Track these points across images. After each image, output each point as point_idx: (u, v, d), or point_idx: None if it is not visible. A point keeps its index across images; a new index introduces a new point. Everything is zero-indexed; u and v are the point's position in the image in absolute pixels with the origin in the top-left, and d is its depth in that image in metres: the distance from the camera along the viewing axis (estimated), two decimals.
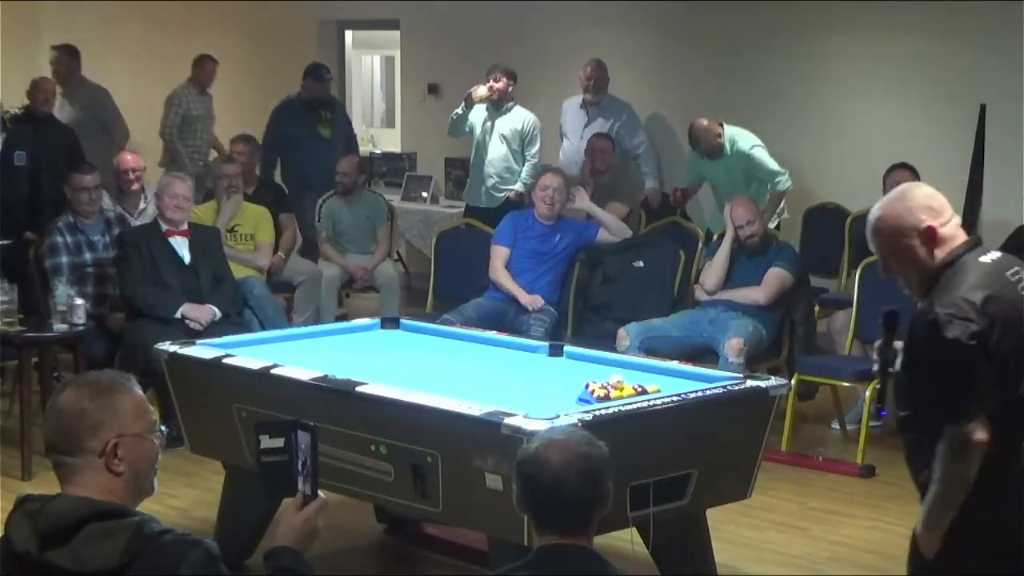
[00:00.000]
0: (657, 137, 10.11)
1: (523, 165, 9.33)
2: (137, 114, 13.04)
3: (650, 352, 6.89)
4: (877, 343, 3.68)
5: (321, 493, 2.85)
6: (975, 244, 3.51)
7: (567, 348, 5.83)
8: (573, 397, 4.86)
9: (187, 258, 7.46)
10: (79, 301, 7.01)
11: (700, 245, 8.36)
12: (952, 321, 3.31)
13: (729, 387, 5.02)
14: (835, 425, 7.66)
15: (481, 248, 8.14)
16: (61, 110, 10.06)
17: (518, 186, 9.25)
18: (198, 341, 5.88)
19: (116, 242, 7.56)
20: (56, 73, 10.25)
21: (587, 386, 4.86)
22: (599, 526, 3.03)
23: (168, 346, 5.64)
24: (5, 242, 8.25)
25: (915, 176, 7.35)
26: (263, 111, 11.01)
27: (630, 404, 4.69)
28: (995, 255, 3.51)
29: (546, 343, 5.98)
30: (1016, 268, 3.48)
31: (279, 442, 2.81)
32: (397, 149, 12.35)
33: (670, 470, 4.72)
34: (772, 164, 8.64)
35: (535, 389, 5.20)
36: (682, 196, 9.15)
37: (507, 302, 7.85)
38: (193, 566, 2.61)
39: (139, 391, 2.82)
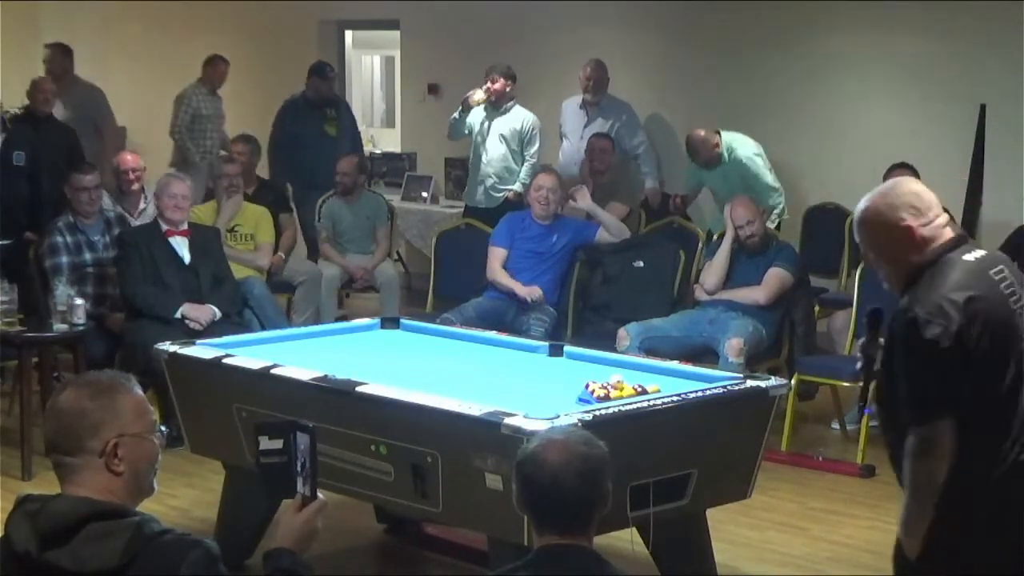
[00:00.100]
0: (657, 137, 10.11)
1: (522, 165, 9.32)
2: (137, 114, 13.08)
3: (650, 352, 6.89)
4: (860, 340, 3.66)
5: (320, 494, 2.85)
6: (960, 242, 3.48)
7: (567, 348, 5.83)
8: (573, 397, 4.86)
9: (187, 258, 7.47)
10: (79, 301, 7.01)
11: (700, 245, 8.36)
12: (931, 321, 3.29)
13: (729, 387, 5.02)
14: (835, 425, 7.66)
15: (481, 248, 8.14)
16: (54, 108, 10.04)
17: (517, 186, 9.24)
18: (198, 341, 5.88)
19: (116, 242, 7.56)
20: (50, 71, 10.23)
21: (587, 386, 4.86)
22: (599, 526, 3.03)
23: (168, 346, 5.64)
24: (5, 242, 8.25)
25: (915, 176, 7.34)
26: (263, 111, 11.02)
27: (630, 404, 4.69)
28: (979, 253, 3.48)
29: (546, 343, 5.98)
30: (1001, 267, 3.46)
31: (278, 443, 2.81)
32: (397, 149, 12.36)
33: (670, 470, 4.71)
34: (768, 178, 8.62)
35: (535, 389, 5.20)
36: (682, 203, 9.15)
37: (507, 302, 7.85)
38: (193, 566, 2.61)
39: (139, 391, 2.82)
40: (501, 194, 9.34)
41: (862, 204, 3.54)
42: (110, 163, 8.79)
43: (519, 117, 9.37)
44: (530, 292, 7.79)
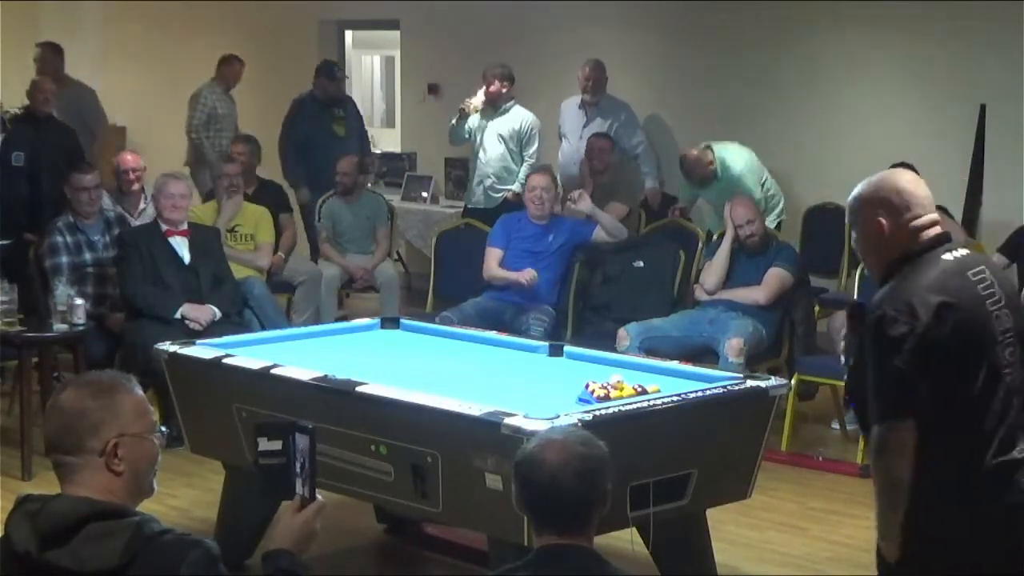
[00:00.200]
0: (656, 137, 10.11)
1: (521, 165, 9.32)
2: (137, 114, 13.09)
3: (650, 352, 6.89)
4: (843, 332, 3.64)
5: (319, 495, 2.85)
6: (941, 240, 3.46)
7: (567, 348, 5.83)
8: (573, 397, 4.86)
9: (187, 258, 7.46)
10: (79, 301, 7.01)
11: (700, 245, 8.36)
12: (898, 319, 3.28)
13: (729, 387, 5.02)
14: (835, 425, 7.66)
15: (481, 248, 8.14)
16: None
17: (515, 186, 9.24)
18: (198, 341, 5.88)
19: (116, 242, 7.56)
20: (41, 71, 10.20)
21: (587, 386, 4.86)
22: (599, 526, 3.03)
23: (168, 346, 5.64)
24: (5, 242, 8.25)
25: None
26: (263, 111, 11.02)
27: (630, 404, 4.69)
28: (960, 253, 3.46)
29: (546, 343, 5.98)
30: (981, 267, 3.44)
31: (277, 444, 2.81)
32: (397, 149, 12.35)
33: (670, 470, 4.71)
34: (759, 193, 8.60)
35: (535, 389, 5.20)
36: (681, 214, 9.15)
37: (506, 302, 7.86)
38: (193, 566, 2.61)
39: (139, 391, 2.83)
40: (500, 194, 9.34)
41: (853, 191, 3.57)
42: (105, 163, 8.78)
43: (518, 117, 9.37)
44: (525, 275, 7.80)
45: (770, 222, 8.46)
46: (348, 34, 13.08)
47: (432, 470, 4.62)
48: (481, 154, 9.42)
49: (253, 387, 5.23)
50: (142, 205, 8.39)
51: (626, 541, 4.73)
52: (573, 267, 8.08)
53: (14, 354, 7.07)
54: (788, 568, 5.63)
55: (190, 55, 12.76)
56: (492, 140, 9.35)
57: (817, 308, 8.16)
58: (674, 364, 5.50)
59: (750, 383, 5.04)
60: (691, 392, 4.87)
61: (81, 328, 6.98)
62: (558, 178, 9.60)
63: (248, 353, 5.56)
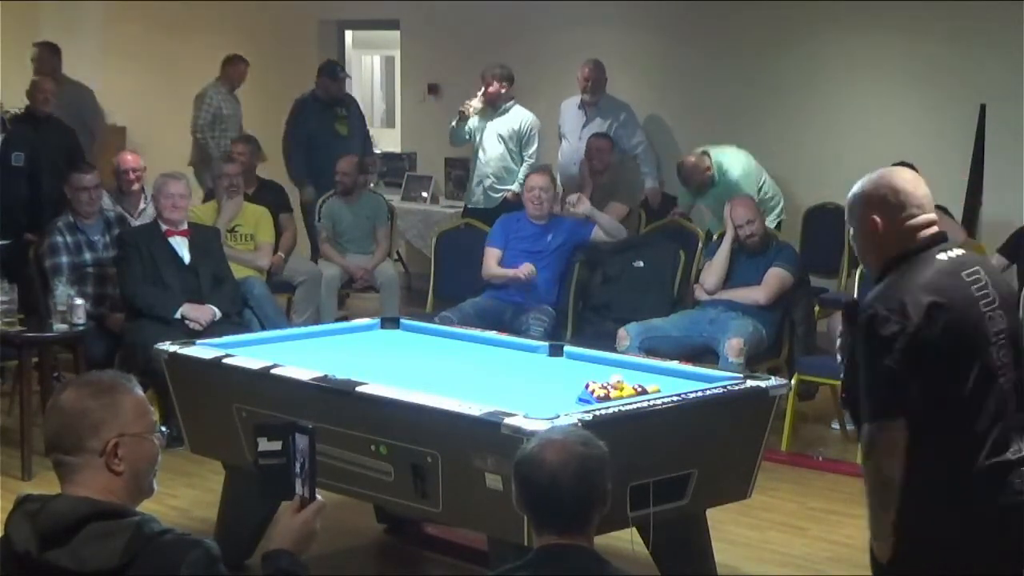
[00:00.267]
0: (656, 137, 10.11)
1: (521, 165, 9.32)
2: (137, 114, 13.09)
3: (650, 352, 6.89)
4: (839, 331, 3.64)
5: (319, 495, 2.85)
6: (937, 240, 3.45)
7: (567, 348, 5.83)
8: (573, 397, 4.86)
9: (187, 258, 7.46)
10: (79, 301, 7.01)
11: (700, 245, 8.36)
12: (889, 319, 3.28)
13: (729, 387, 5.02)
14: (835, 425, 7.66)
15: (481, 248, 8.15)
16: None
17: (515, 186, 9.24)
18: (198, 341, 5.88)
19: (116, 242, 7.56)
20: (38, 71, 10.21)
21: (587, 386, 4.86)
22: (599, 526, 3.03)
23: (168, 346, 5.64)
24: (5, 242, 8.25)
25: None
26: (263, 111, 11.02)
27: (630, 404, 4.69)
28: (955, 253, 3.45)
29: (546, 343, 5.98)
30: (975, 268, 3.43)
31: (277, 445, 2.81)
32: (397, 149, 12.35)
33: (670, 470, 4.71)
34: (756, 197, 8.60)
35: (535, 389, 5.20)
36: (681, 215, 9.16)
37: (505, 302, 7.86)
38: (193, 566, 2.61)
39: (140, 391, 2.83)
40: (500, 194, 9.33)
41: (853, 188, 3.56)
42: (105, 163, 8.77)
43: (518, 117, 9.37)
44: (523, 270, 7.81)
45: (769, 223, 8.46)
46: (348, 34, 13.08)
47: (432, 470, 4.62)
48: (481, 154, 9.42)
49: (253, 387, 5.23)
50: (142, 205, 8.39)
51: (626, 541, 4.73)
52: (573, 267, 8.08)
53: (14, 354, 7.07)
54: (788, 568, 5.63)
55: (190, 55, 12.75)
56: (492, 140, 9.35)
57: (817, 308, 8.16)
58: (674, 364, 5.50)
59: (750, 383, 5.04)
60: (691, 392, 4.87)
61: (81, 328, 6.98)
62: (558, 178, 9.61)
63: (248, 353, 5.55)
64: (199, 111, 10.63)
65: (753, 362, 7.16)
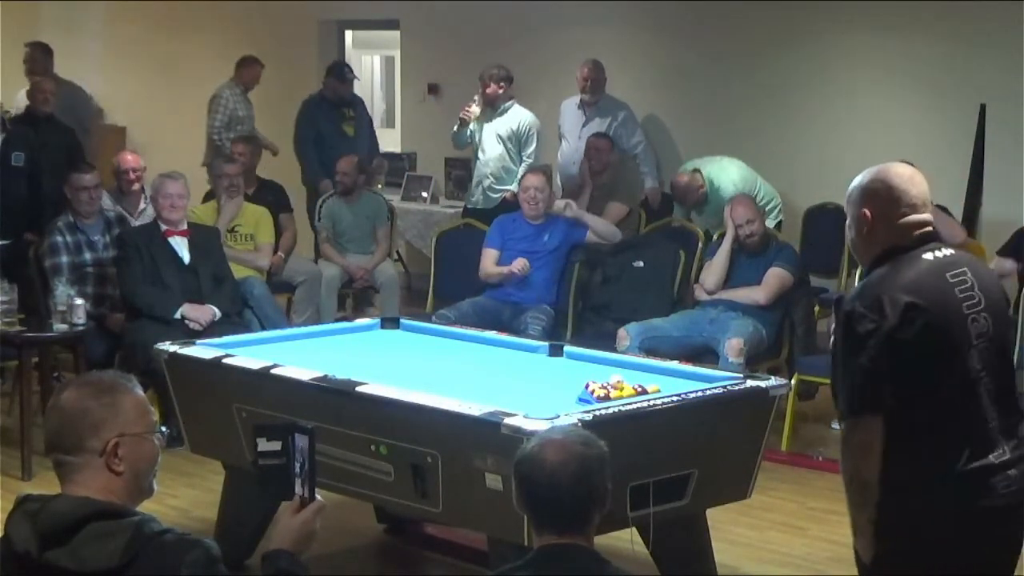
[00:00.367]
0: (656, 137, 10.11)
1: (520, 165, 9.32)
2: (137, 114, 13.09)
3: (650, 352, 6.89)
4: (831, 327, 3.63)
5: (319, 495, 2.85)
6: (926, 240, 3.43)
7: (567, 348, 5.83)
8: (573, 397, 4.86)
9: (187, 258, 7.46)
10: (79, 301, 7.01)
11: (700, 245, 8.36)
12: (866, 316, 3.27)
13: (729, 387, 5.02)
14: (835, 425, 7.63)
15: (480, 248, 8.15)
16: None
17: (514, 187, 9.24)
18: (198, 341, 5.88)
19: (116, 242, 7.56)
20: (31, 71, 10.19)
21: (587, 386, 4.86)
22: (599, 526, 3.03)
23: (168, 346, 5.64)
24: (5, 242, 8.25)
25: None
26: (264, 111, 11.02)
27: (630, 404, 4.69)
28: (943, 253, 3.42)
29: (546, 343, 5.98)
30: (962, 269, 3.40)
31: (276, 445, 2.81)
32: (397, 149, 12.35)
33: (670, 470, 4.71)
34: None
35: (535, 389, 5.20)
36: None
37: (503, 303, 7.86)
38: (193, 566, 2.61)
39: (140, 391, 2.83)
40: (498, 195, 9.33)
41: (854, 180, 3.56)
42: (105, 163, 8.77)
43: (516, 117, 9.37)
44: (516, 265, 7.82)
45: (767, 225, 8.46)
46: (348, 34, 13.09)
47: (432, 470, 4.62)
48: (480, 154, 9.42)
49: (253, 387, 5.23)
50: (142, 205, 8.38)
51: (626, 541, 4.73)
52: (573, 267, 8.08)
53: (14, 354, 7.07)
54: (788, 568, 5.63)
55: (190, 55, 12.76)
56: (491, 140, 9.35)
57: (817, 308, 8.15)
58: (674, 364, 5.50)
59: (750, 383, 5.04)
60: (691, 392, 4.87)
61: (81, 328, 6.98)
62: (557, 178, 9.62)
63: (248, 353, 5.56)
64: (216, 113, 10.58)
65: (753, 362, 7.16)
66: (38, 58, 10.42)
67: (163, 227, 7.48)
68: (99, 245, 7.67)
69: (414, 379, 5.03)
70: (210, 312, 7.28)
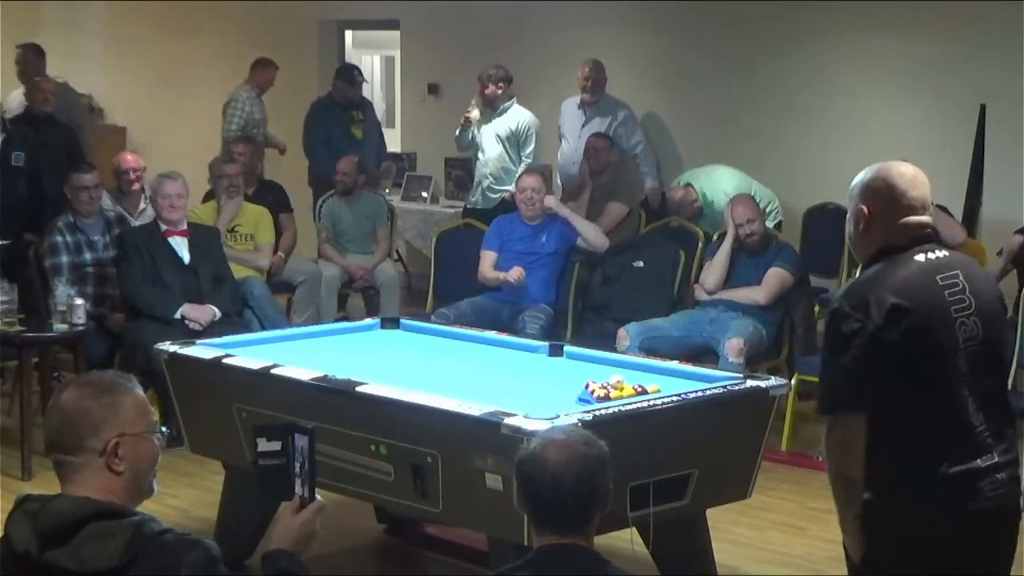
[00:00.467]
0: (655, 137, 10.11)
1: (519, 165, 9.32)
2: (137, 114, 13.09)
3: (650, 352, 6.89)
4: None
5: (319, 495, 2.85)
6: (920, 240, 3.42)
7: (567, 348, 5.83)
8: (573, 397, 4.86)
9: (187, 258, 7.46)
10: (79, 301, 7.01)
11: (700, 245, 8.36)
12: (851, 315, 3.27)
13: (729, 387, 5.02)
14: None
15: (480, 248, 8.15)
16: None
17: (513, 187, 9.23)
18: (198, 341, 5.88)
19: (116, 242, 7.56)
20: (23, 72, 10.18)
21: (587, 386, 4.86)
22: (599, 526, 3.03)
23: (168, 346, 5.64)
24: (5, 242, 8.25)
25: None
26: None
27: (630, 404, 4.69)
28: (936, 255, 3.40)
29: (546, 343, 5.98)
30: (954, 272, 3.38)
31: (276, 445, 2.81)
32: (397, 149, 12.35)
33: (670, 470, 4.72)
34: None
35: (535, 389, 5.20)
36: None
37: (502, 303, 7.86)
38: (193, 566, 2.61)
39: (140, 391, 2.83)
40: (498, 195, 9.33)
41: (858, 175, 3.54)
42: (105, 163, 8.76)
43: (515, 117, 9.36)
44: (512, 274, 7.82)
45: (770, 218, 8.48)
46: (348, 34, 13.08)
47: (432, 470, 4.62)
48: (480, 155, 9.42)
49: (253, 387, 5.23)
50: (142, 205, 8.38)
51: (626, 541, 4.73)
52: (573, 267, 8.08)
53: (14, 354, 7.08)
54: (788, 568, 5.63)
55: (190, 55, 12.76)
56: (490, 140, 9.35)
57: (817, 308, 8.15)
58: (674, 364, 5.50)
59: (750, 383, 5.04)
60: (691, 392, 4.87)
61: (81, 328, 6.98)
62: (557, 178, 9.62)
63: (248, 353, 5.56)
64: (232, 116, 10.52)
65: (753, 362, 7.16)
66: (30, 59, 10.39)
67: (163, 227, 7.48)
68: (99, 245, 7.67)
69: (414, 379, 5.03)
70: (210, 312, 7.28)
